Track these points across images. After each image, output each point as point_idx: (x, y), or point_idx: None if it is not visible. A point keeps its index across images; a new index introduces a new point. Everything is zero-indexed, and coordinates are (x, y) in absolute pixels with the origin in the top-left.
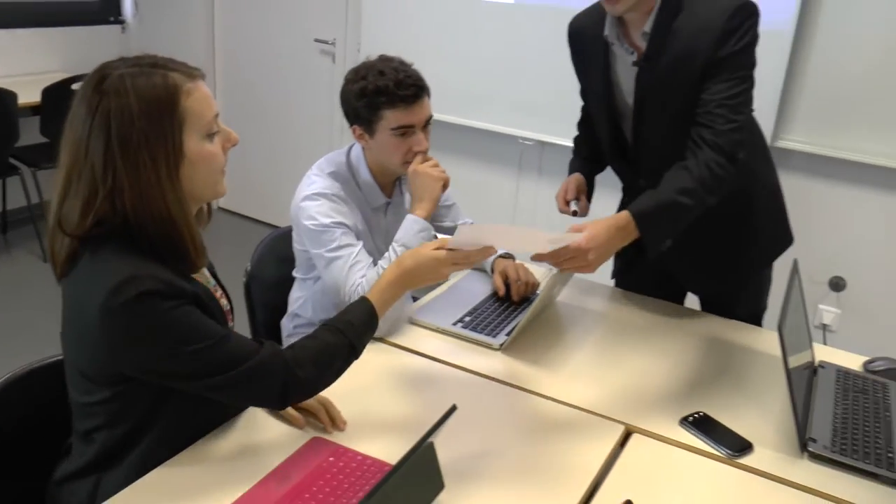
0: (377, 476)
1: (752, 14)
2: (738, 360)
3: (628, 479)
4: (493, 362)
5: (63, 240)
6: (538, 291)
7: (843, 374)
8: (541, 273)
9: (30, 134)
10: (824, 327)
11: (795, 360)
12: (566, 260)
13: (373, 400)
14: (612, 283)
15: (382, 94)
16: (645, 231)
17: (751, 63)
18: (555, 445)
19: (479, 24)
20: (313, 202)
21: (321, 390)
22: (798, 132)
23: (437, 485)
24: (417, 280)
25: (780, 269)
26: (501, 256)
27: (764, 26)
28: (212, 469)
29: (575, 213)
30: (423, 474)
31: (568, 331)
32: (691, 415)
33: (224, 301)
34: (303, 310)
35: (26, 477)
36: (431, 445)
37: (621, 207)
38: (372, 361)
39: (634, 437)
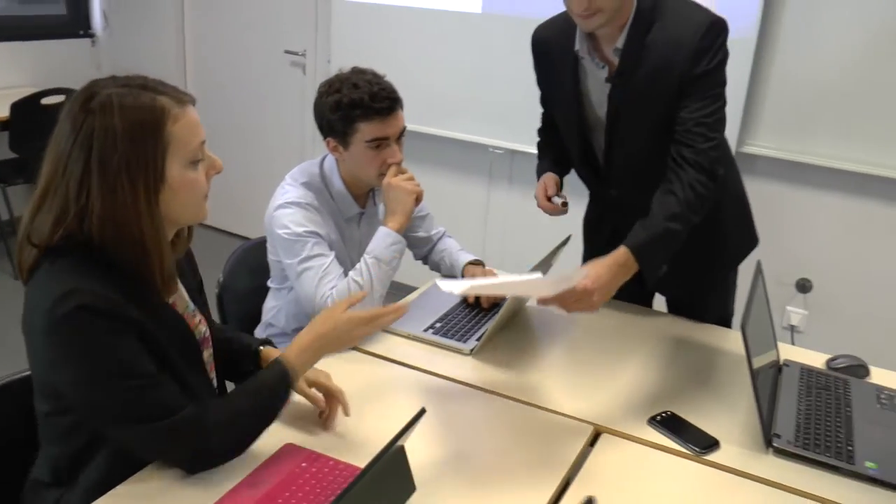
0: (350, 481)
1: (724, 31)
2: (705, 361)
3: (598, 478)
4: (464, 367)
5: (31, 250)
6: (507, 297)
7: (807, 372)
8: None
9: None
10: (792, 328)
11: (761, 360)
12: (572, 302)
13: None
14: None
15: (357, 107)
16: (644, 263)
17: (724, 80)
18: (525, 447)
19: (448, 35)
20: (286, 210)
21: (231, 459)
22: (763, 137)
23: (408, 488)
24: (332, 344)
25: (747, 272)
26: (471, 263)
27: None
28: (183, 477)
29: (565, 205)
30: (393, 477)
31: (537, 335)
32: (659, 414)
33: (203, 327)
34: (276, 319)
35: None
36: (402, 449)
37: (588, 215)
38: (344, 368)
39: (604, 437)
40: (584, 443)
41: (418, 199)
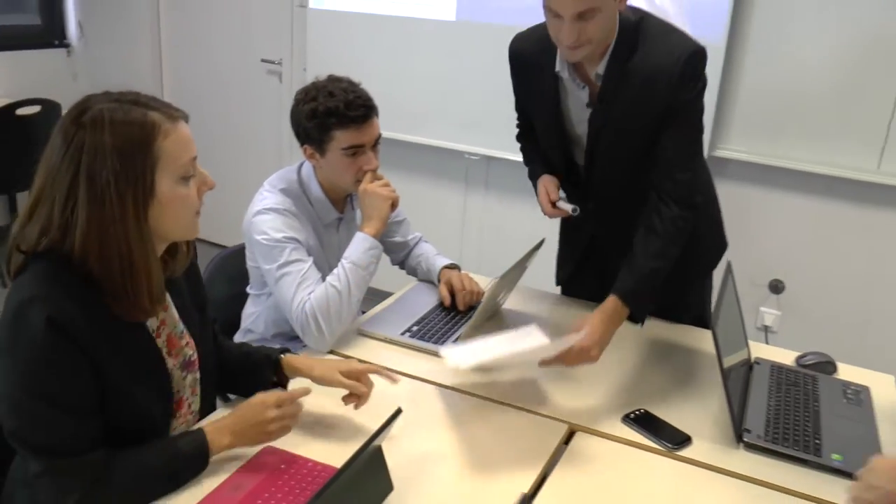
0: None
1: (704, 59)
2: (679, 360)
3: (572, 475)
4: (440, 369)
5: (18, 255)
6: (483, 299)
7: (777, 369)
8: (486, 283)
9: None
10: (766, 329)
11: (733, 358)
12: (572, 360)
13: (324, 409)
14: (558, 290)
15: (333, 115)
16: (635, 307)
17: (702, 108)
18: (500, 445)
19: (423, 43)
20: (265, 217)
21: None
22: (734, 141)
23: (385, 486)
24: (248, 435)
25: (722, 273)
26: (447, 267)
27: (697, 40)
28: None
29: (575, 212)
30: (371, 476)
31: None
32: (633, 412)
33: (190, 350)
34: (255, 325)
35: None
36: (379, 448)
37: (563, 226)
38: None
39: (578, 435)
40: (559, 441)
41: (394, 205)
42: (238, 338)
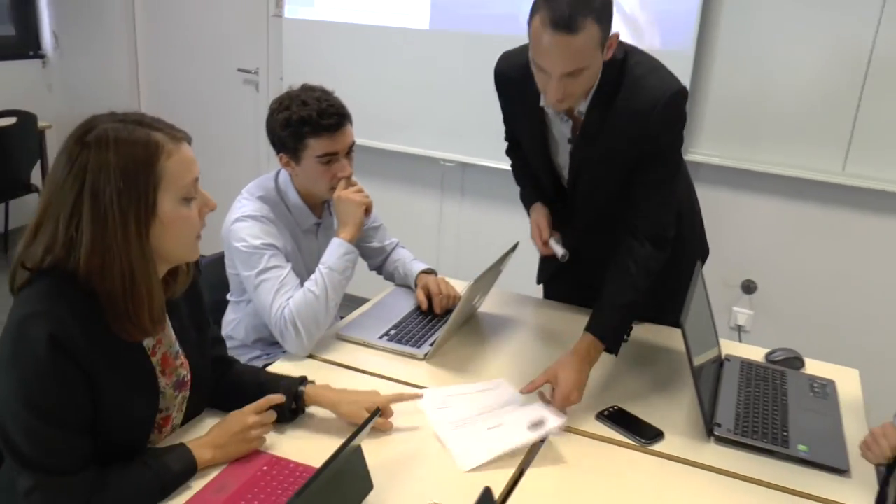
0: None
1: (685, 98)
2: (652, 358)
3: (548, 471)
4: (418, 371)
5: (23, 272)
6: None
7: (747, 366)
8: (462, 287)
9: None
10: (739, 328)
11: (704, 356)
12: (559, 406)
13: (305, 411)
14: (539, 289)
15: (306, 123)
16: (610, 343)
17: (681, 142)
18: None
19: (398, 51)
20: (243, 224)
21: None
22: (705, 146)
23: (365, 485)
24: (231, 445)
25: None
26: (423, 272)
27: (666, 47)
28: None
29: (564, 258)
30: (351, 476)
31: (490, 338)
32: (606, 409)
33: (184, 371)
34: (235, 332)
35: None
36: (359, 448)
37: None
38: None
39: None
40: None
41: (368, 210)
42: None
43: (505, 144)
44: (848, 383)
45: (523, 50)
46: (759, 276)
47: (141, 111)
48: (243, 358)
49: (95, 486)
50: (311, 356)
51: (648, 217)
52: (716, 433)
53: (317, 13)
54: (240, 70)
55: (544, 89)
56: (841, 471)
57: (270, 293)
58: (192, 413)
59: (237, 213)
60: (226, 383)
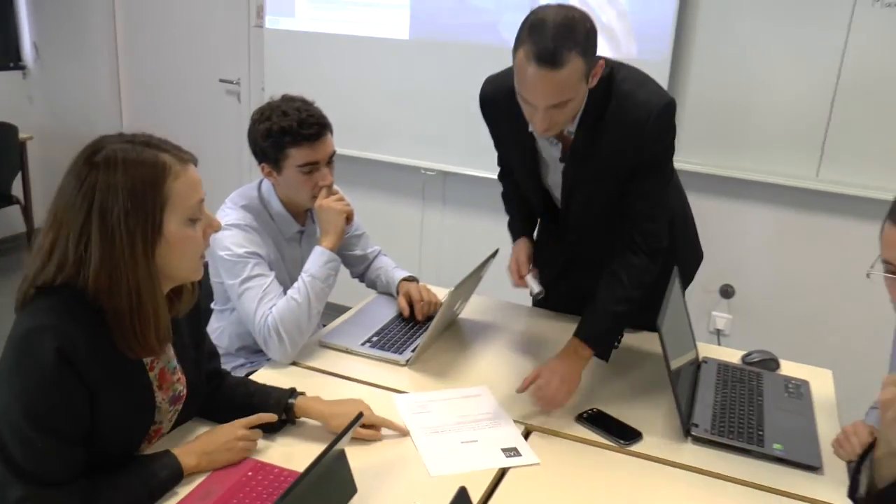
0: None
1: (674, 110)
2: (630, 361)
3: (529, 473)
4: (400, 377)
5: (32, 291)
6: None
7: (724, 367)
8: (444, 294)
9: None
10: (718, 332)
11: (682, 359)
12: (546, 404)
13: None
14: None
15: (287, 133)
16: (599, 348)
17: (672, 152)
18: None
19: (378, 61)
20: (227, 233)
21: None
22: (683, 153)
23: (349, 489)
24: (217, 453)
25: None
26: (405, 279)
27: (643, 56)
28: None
29: (539, 294)
30: (334, 479)
31: (471, 344)
32: (586, 411)
33: (180, 386)
34: (220, 340)
35: None
36: (342, 453)
37: (539, 236)
38: (285, 382)
39: (534, 435)
40: None
41: (349, 218)
42: None
43: (492, 158)
44: (821, 384)
45: (508, 73)
46: (737, 281)
47: (149, 133)
48: (227, 366)
49: (85, 496)
50: (294, 363)
51: (640, 229)
52: (693, 433)
53: (298, 24)
54: (221, 80)
55: (531, 119)
56: (814, 468)
57: (254, 301)
58: (181, 421)
59: (221, 222)
60: (218, 397)
